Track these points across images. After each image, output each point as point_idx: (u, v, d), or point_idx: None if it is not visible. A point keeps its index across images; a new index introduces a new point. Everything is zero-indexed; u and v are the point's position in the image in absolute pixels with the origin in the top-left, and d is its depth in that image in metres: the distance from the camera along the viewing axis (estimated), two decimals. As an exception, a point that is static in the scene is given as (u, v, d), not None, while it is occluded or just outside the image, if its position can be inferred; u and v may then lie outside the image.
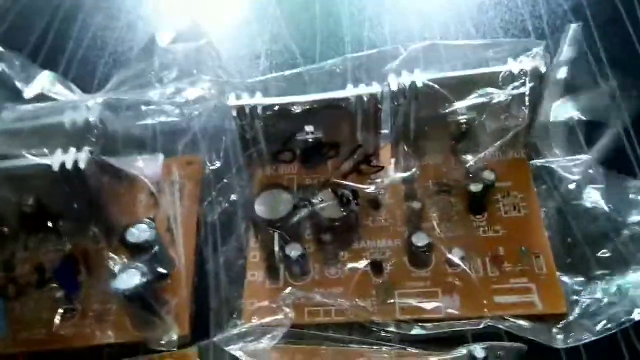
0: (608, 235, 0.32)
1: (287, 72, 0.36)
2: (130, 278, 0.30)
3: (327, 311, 0.32)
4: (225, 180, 0.37)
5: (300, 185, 0.36)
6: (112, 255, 0.32)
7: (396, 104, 0.33)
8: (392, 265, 0.33)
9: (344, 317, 0.31)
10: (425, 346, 0.30)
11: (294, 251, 0.32)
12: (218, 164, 0.37)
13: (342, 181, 0.34)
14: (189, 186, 0.37)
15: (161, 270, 0.33)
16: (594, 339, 0.29)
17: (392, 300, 0.32)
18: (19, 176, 0.32)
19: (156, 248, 0.32)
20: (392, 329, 0.31)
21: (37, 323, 0.33)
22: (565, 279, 0.31)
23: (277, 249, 0.32)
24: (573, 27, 0.36)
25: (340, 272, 0.33)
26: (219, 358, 0.31)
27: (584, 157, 0.35)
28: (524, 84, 0.32)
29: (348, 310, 0.31)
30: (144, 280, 0.30)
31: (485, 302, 0.31)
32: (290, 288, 0.32)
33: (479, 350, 0.29)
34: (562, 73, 0.35)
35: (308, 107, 0.33)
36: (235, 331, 0.31)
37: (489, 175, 0.33)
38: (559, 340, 0.30)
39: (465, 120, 0.34)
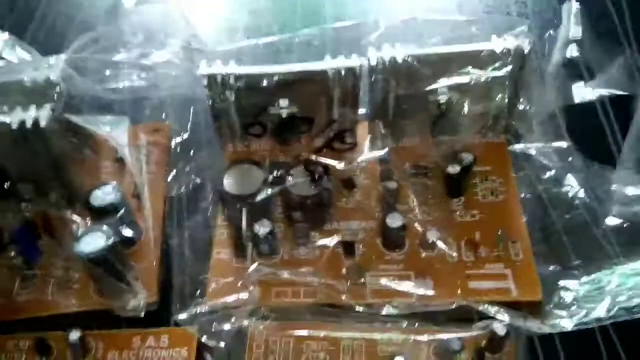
0: (587, 225, 0.32)
1: (262, 40, 0.35)
2: (94, 240, 0.29)
3: (295, 291, 0.31)
4: (192, 151, 0.36)
5: (273, 161, 0.34)
6: (75, 218, 0.31)
7: (374, 78, 0.32)
8: (364, 246, 0.32)
9: (313, 298, 0.30)
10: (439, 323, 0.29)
11: (262, 228, 0.31)
12: (186, 135, 0.36)
13: (314, 157, 0.33)
14: (156, 152, 0.36)
15: (127, 233, 0.31)
16: (568, 330, 0.29)
17: (362, 280, 0.31)
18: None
19: (122, 211, 0.31)
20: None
21: (-5, 291, 0.32)
22: (541, 267, 0.31)
23: (244, 225, 0.31)
24: (575, 5, 0.35)
25: (310, 253, 0.32)
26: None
27: (564, 145, 0.34)
28: (505, 65, 0.32)
29: (317, 290, 0.30)
30: (109, 242, 0.29)
31: (459, 286, 0.30)
32: (256, 264, 0.31)
33: (500, 327, 0.28)
34: (572, 51, 0.34)
35: (283, 78, 0.32)
36: (198, 309, 0.30)
37: (467, 157, 0.33)
38: (534, 327, 0.29)
39: (444, 100, 0.33)
